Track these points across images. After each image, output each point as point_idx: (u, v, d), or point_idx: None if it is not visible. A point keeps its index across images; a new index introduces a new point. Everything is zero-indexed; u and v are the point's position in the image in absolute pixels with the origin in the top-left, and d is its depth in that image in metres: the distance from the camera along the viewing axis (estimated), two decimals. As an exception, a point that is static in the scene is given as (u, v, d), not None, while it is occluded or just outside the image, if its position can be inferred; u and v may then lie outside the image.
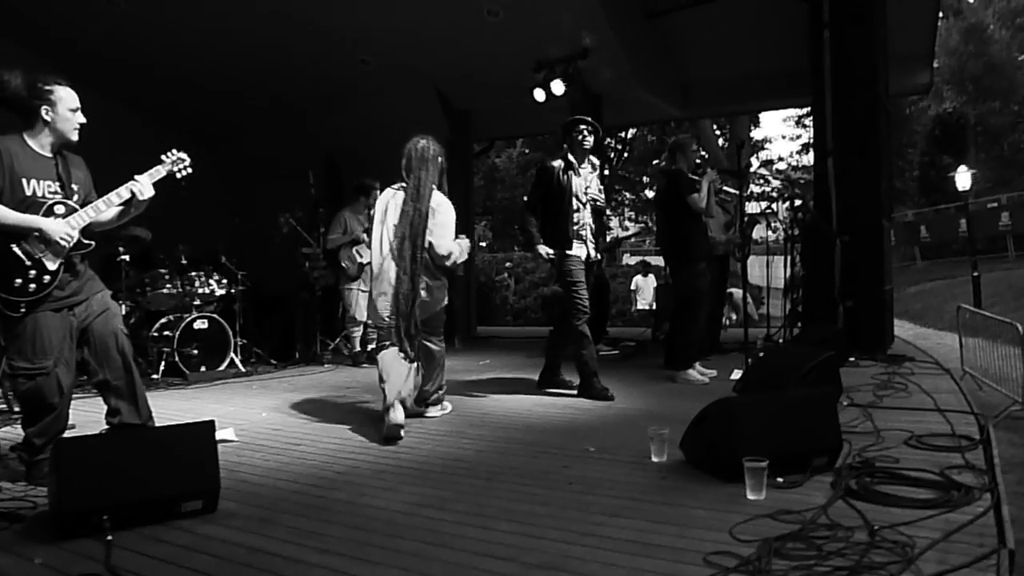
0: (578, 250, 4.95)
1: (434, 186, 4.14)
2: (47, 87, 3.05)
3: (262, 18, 7.68)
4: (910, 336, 10.66)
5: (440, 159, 4.22)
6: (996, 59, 31.81)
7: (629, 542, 2.26)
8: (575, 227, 4.94)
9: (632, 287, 14.69)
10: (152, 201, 3.24)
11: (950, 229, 22.34)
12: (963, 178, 18.10)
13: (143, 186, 3.20)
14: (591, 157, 5.11)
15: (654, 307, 11.55)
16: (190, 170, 3.38)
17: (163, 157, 3.33)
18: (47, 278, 3.00)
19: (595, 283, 7.57)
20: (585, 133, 5.00)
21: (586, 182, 5.03)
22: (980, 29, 32.94)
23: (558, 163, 5.00)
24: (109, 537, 2.24)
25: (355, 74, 8.67)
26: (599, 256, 5.19)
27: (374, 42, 8.23)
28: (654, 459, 3.18)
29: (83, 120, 3.15)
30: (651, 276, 13.98)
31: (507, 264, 18.66)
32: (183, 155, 3.37)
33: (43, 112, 3.05)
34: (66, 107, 3.08)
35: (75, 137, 3.15)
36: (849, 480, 2.66)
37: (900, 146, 25.30)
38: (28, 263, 2.96)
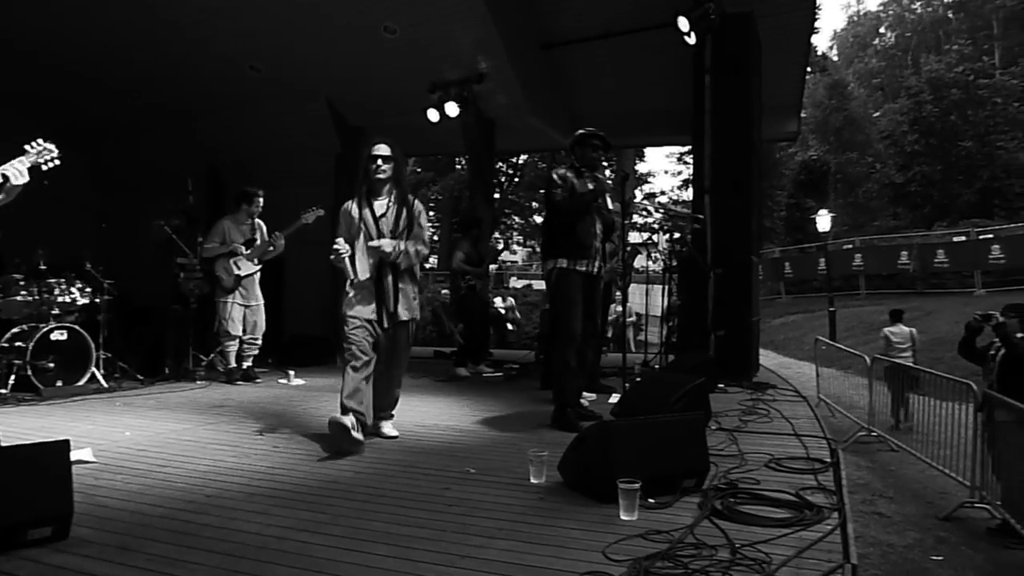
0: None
1: None
2: None
3: (147, 12, 7.32)
4: (773, 365, 11.37)
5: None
6: (855, 114, 34.99)
7: (507, 564, 2.28)
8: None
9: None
10: (13, 198, 3.00)
11: (811, 267, 24.10)
12: (823, 220, 19.60)
13: (19, 172, 2.94)
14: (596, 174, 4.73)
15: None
16: (58, 162, 3.12)
17: (27, 147, 3.06)
18: None
19: (479, 305, 7.67)
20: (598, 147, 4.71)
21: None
22: (842, 86, 36.14)
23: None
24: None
25: (244, 81, 8.40)
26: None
27: (265, 49, 8.01)
28: (533, 481, 3.23)
29: None
30: None
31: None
32: (50, 145, 3.11)
33: None
34: None
35: None
36: (714, 501, 2.81)
37: (770, 188, 27.13)
38: None
